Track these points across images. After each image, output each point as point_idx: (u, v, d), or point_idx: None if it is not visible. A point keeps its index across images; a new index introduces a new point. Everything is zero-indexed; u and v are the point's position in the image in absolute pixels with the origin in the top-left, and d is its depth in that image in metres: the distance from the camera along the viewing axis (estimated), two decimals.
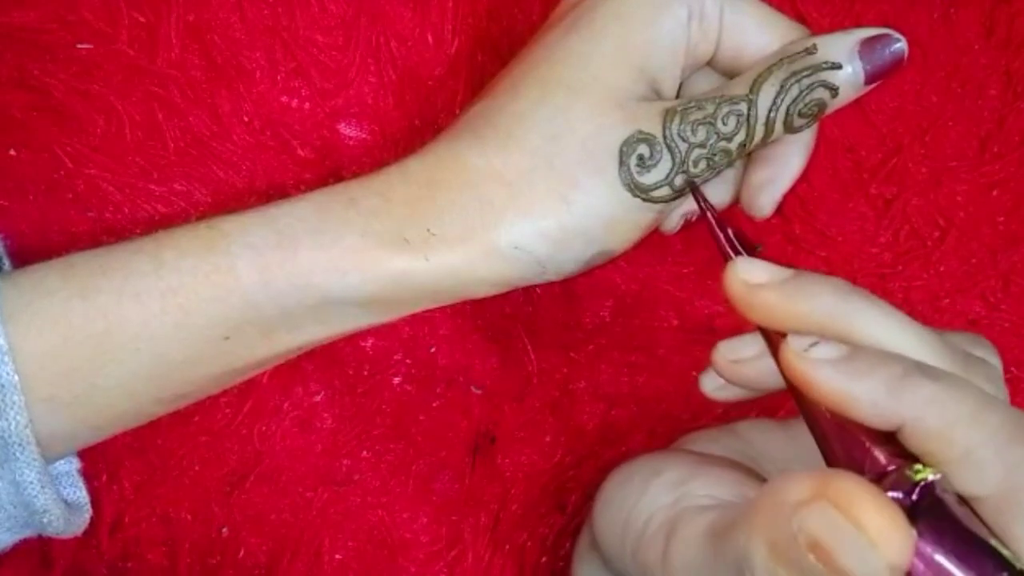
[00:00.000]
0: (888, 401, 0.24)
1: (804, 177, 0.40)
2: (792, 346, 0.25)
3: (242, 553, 0.37)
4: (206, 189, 0.37)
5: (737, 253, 0.30)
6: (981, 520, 0.24)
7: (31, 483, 0.29)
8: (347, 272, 0.30)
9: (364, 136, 0.38)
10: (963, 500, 0.24)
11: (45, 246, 0.33)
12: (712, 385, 0.32)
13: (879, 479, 0.24)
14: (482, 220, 0.31)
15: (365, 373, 0.38)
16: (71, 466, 0.33)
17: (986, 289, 0.41)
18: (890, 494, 0.23)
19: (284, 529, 0.38)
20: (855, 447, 0.25)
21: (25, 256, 0.32)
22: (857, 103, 0.40)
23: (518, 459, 0.39)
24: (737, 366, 0.29)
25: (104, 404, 0.30)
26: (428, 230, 0.31)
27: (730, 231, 0.31)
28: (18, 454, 0.28)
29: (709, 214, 0.32)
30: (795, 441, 0.34)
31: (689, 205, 0.36)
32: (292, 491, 0.38)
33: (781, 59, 0.32)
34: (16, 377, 0.28)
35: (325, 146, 0.38)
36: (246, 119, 0.37)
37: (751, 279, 0.27)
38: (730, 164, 0.33)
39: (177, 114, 0.37)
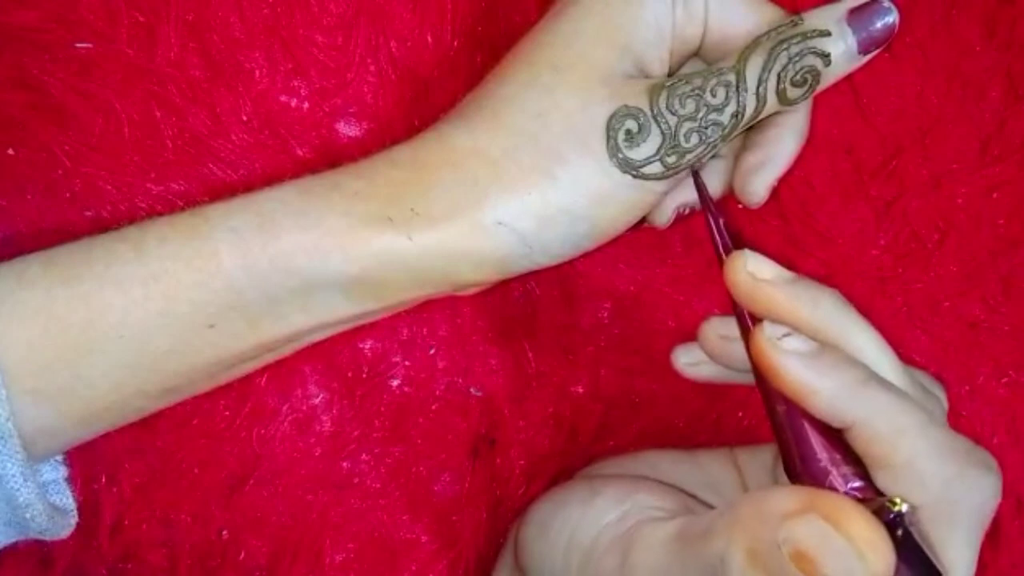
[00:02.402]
0: (846, 400, 0.26)
1: (804, 179, 0.40)
2: (766, 333, 0.27)
3: (242, 555, 0.37)
4: (204, 188, 0.37)
5: (734, 245, 0.31)
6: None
7: (13, 476, 0.28)
8: (329, 253, 0.30)
9: (363, 136, 0.38)
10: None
11: (42, 245, 0.33)
12: (687, 359, 0.33)
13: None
14: (467, 198, 0.31)
15: (364, 375, 0.38)
16: (58, 474, 0.33)
17: (986, 292, 0.41)
18: None
19: (284, 531, 0.38)
20: (814, 447, 0.27)
21: (22, 255, 0.31)
22: (857, 105, 0.40)
23: (517, 461, 0.39)
24: (726, 343, 0.31)
25: (89, 396, 0.30)
26: (412, 209, 0.31)
27: (723, 222, 0.32)
28: (0, 447, 0.28)
29: (708, 203, 0.32)
30: (704, 471, 0.35)
31: (682, 197, 0.35)
32: (292, 494, 0.38)
33: (769, 31, 0.32)
34: None
35: (324, 145, 0.38)
36: (245, 118, 0.37)
37: (759, 273, 0.28)
38: (725, 139, 0.33)
39: (176, 113, 0.36)
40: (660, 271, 0.41)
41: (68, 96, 0.36)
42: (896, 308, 0.41)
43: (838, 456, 0.27)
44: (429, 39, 0.38)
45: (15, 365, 0.28)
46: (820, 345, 0.27)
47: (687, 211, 0.36)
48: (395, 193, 0.31)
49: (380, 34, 0.38)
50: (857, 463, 0.27)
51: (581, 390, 0.40)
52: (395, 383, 0.39)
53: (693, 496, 0.34)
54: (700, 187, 0.33)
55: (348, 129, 0.38)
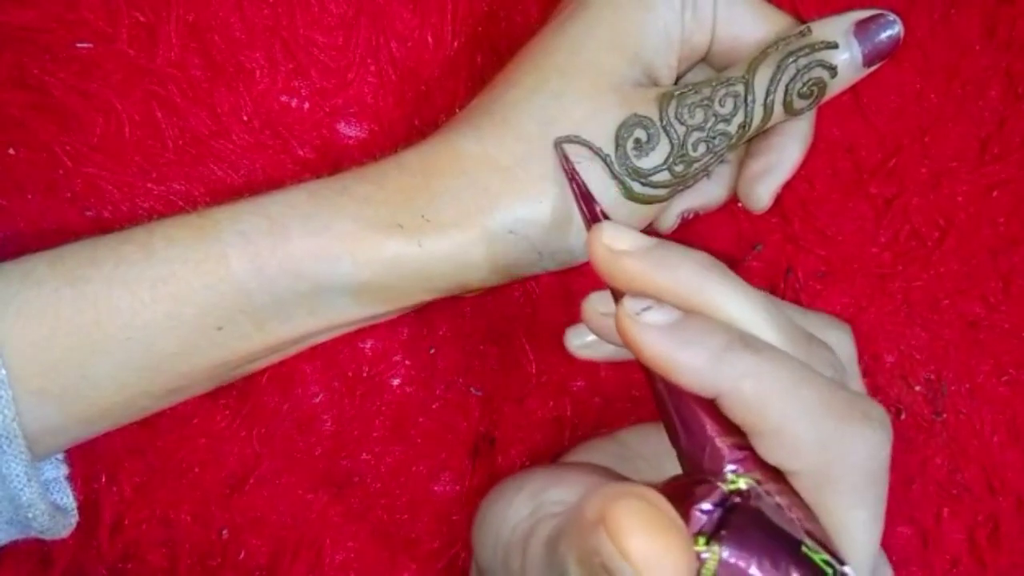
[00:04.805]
0: (707, 370, 0.24)
1: (804, 177, 0.40)
2: (626, 308, 0.25)
3: (243, 555, 0.37)
4: (205, 188, 0.37)
5: (601, 219, 0.29)
6: (802, 500, 0.24)
7: (17, 476, 0.29)
8: (339, 258, 0.30)
9: (363, 136, 0.38)
10: (789, 494, 0.24)
11: (43, 245, 0.33)
12: (578, 341, 0.32)
13: (694, 485, 0.24)
14: (477, 205, 0.31)
15: (364, 375, 0.38)
16: (59, 472, 0.33)
17: (986, 290, 0.41)
18: (701, 506, 0.23)
19: (284, 531, 0.38)
20: (694, 420, 0.25)
21: (23, 255, 0.31)
22: (857, 103, 0.40)
23: (518, 460, 0.39)
24: (607, 320, 0.29)
25: (94, 396, 0.30)
26: (422, 216, 0.31)
27: (597, 199, 0.30)
28: (5, 447, 0.28)
29: (577, 179, 0.31)
30: (665, 440, 0.34)
31: (687, 202, 0.36)
32: (292, 493, 0.38)
33: (777, 42, 0.32)
34: (3, 371, 0.28)
35: (324, 146, 0.38)
36: (245, 118, 0.37)
37: (615, 245, 0.26)
38: (731, 148, 0.33)
39: (176, 113, 0.37)
40: None
41: (69, 96, 0.36)
42: (896, 306, 0.41)
43: (718, 427, 0.25)
44: (430, 39, 0.38)
45: (21, 365, 0.28)
46: (683, 314, 0.25)
47: (691, 215, 0.36)
48: (405, 199, 0.31)
49: (381, 34, 0.38)
50: (742, 432, 0.25)
51: (581, 387, 0.40)
52: (396, 382, 0.39)
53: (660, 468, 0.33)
54: (563, 163, 0.31)
55: (349, 129, 0.38)
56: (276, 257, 0.30)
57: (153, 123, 0.36)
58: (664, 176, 0.32)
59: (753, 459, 0.25)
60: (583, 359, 0.32)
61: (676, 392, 0.25)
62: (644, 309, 0.25)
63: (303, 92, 0.38)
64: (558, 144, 0.31)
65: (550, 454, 0.40)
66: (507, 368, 0.39)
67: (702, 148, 0.32)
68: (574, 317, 0.40)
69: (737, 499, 0.24)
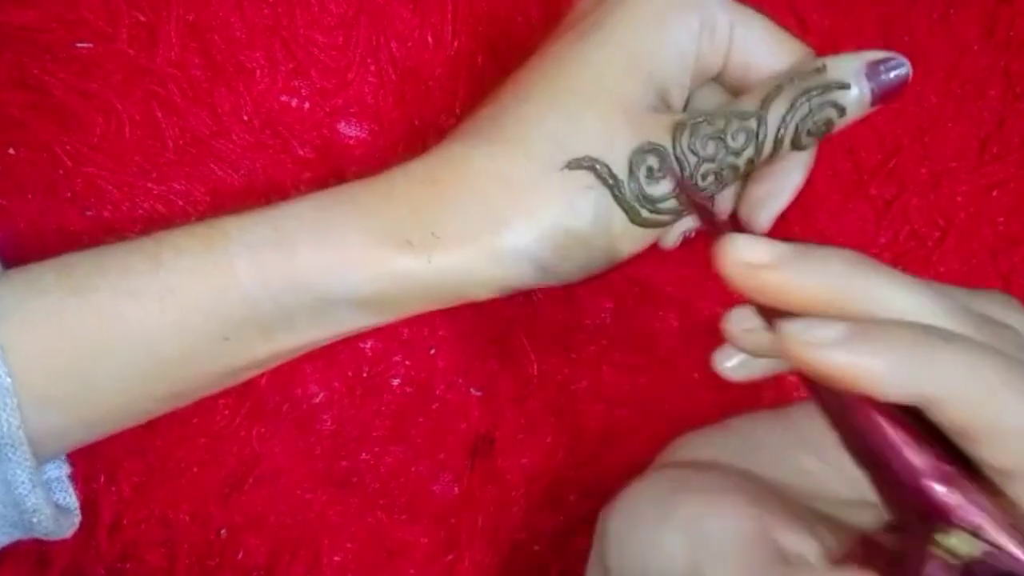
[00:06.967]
0: (907, 374, 0.21)
1: None
2: (789, 333, 0.23)
3: (241, 555, 0.37)
4: (205, 188, 0.37)
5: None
6: (1012, 500, 0.22)
7: (22, 483, 0.29)
8: (346, 272, 0.30)
9: (364, 136, 0.38)
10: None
11: (43, 245, 0.33)
12: (729, 364, 0.30)
13: (920, 546, 0.23)
14: (485, 223, 0.31)
15: (364, 375, 0.38)
16: (61, 471, 0.33)
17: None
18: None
19: (283, 531, 0.37)
20: (893, 443, 0.23)
21: (23, 255, 0.31)
22: None
23: (518, 461, 0.39)
24: (755, 336, 0.27)
25: (99, 402, 0.30)
26: (431, 232, 0.31)
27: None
28: (10, 454, 0.28)
29: (692, 195, 0.30)
30: (792, 429, 0.32)
31: (690, 222, 0.36)
32: (291, 493, 0.38)
33: (792, 77, 0.32)
34: (9, 380, 0.28)
35: (324, 145, 0.38)
36: (246, 118, 0.37)
37: (753, 259, 0.24)
38: (736, 180, 0.33)
39: (177, 113, 0.37)
40: (662, 270, 0.41)
41: (69, 96, 0.36)
42: None
43: (913, 440, 0.22)
44: (429, 39, 0.38)
45: (27, 373, 0.28)
46: (853, 324, 0.22)
47: (692, 234, 0.36)
48: (413, 212, 0.31)
49: (381, 34, 0.38)
50: (933, 440, 0.22)
51: (583, 389, 0.40)
52: (395, 382, 0.39)
53: (789, 460, 0.31)
54: (680, 183, 0.31)
55: (349, 129, 0.38)
56: (283, 269, 0.30)
57: (153, 123, 0.36)
58: (672, 204, 0.32)
59: (960, 477, 0.22)
60: (738, 380, 0.30)
61: (865, 413, 0.23)
62: (809, 328, 0.22)
63: (303, 92, 0.38)
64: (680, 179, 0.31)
65: (550, 455, 0.39)
66: (507, 369, 0.39)
67: (711, 179, 0.32)
68: (574, 317, 0.40)
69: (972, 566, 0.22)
